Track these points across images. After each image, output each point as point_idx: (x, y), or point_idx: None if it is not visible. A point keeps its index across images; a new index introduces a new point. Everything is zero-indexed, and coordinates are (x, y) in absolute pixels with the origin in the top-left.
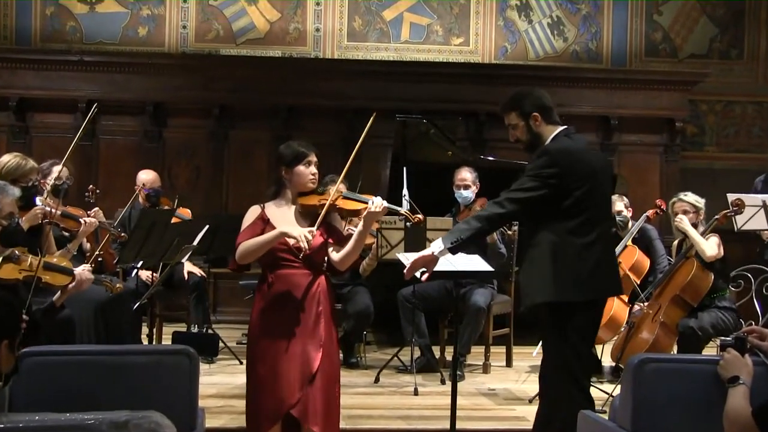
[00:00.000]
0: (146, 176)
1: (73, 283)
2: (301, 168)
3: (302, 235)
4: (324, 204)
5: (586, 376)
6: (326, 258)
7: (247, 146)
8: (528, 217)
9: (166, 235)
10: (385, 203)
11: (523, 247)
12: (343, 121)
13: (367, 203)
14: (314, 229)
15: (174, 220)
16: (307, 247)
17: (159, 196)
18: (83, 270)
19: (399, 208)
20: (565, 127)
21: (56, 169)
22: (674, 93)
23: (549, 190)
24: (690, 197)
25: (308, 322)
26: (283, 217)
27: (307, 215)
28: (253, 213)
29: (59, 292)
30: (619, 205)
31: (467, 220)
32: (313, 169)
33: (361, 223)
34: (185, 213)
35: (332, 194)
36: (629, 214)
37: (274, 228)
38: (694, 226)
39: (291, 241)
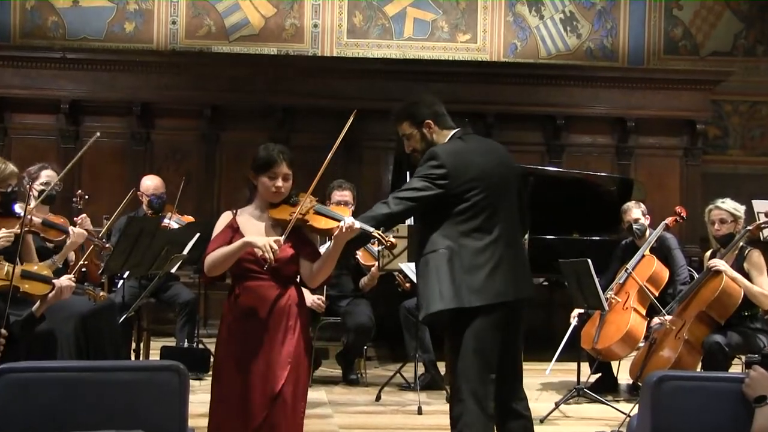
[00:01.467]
0: (150, 182)
1: (53, 292)
2: (264, 179)
3: (267, 245)
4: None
5: (487, 384)
6: (297, 271)
7: (240, 149)
8: (422, 222)
9: (155, 243)
10: (357, 223)
11: (419, 254)
12: (342, 122)
13: (338, 221)
14: (281, 238)
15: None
16: (272, 258)
17: (163, 204)
18: (63, 278)
19: (371, 229)
20: (458, 129)
21: (45, 173)
22: (695, 93)
23: (438, 191)
24: (728, 204)
25: (275, 338)
26: (254, 227)
27: (278, 228)
28: (223, 219)
29: (38, 301)
30: (636, 212)
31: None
32: (279, 182)
33: (331, 243)
34: (187, 220)
35: (302, 207)
36: (647, 222)
37: (242, 237)
38: (731, 237)
39: (257, 252)
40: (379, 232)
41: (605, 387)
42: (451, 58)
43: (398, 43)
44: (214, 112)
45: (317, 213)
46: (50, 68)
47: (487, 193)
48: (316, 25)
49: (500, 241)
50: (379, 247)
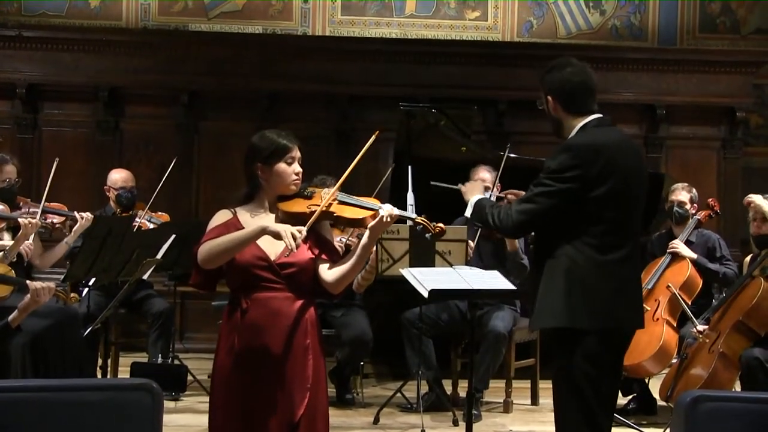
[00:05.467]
0: (119, 175)
1: (29, 297)
2: (282, 166)
3: (288, 231)
4: (315, 210)
5: (606, 418)
6: (313, 279)
7: (221, 140)
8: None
9: (124, 246)
10: (396, 210)
11: (537, 254)
12: (335, 110)
13: (371, 210)
14: (304, 229)
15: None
16: (295, 247)
17: (133, 200)
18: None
19: (414, 216)
20: (598, 117)
21: (7, 170)
22: (735, 76)
23: (569, 195)
24: None
25: (294, 359)
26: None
27: (292, 225)
28: (221, 217)
29: (16, 310)
30: (684, 195)
31: (494, 207)
32: (297, 167)
33: (365, 236)
34: (162, 218)
35: (326, 198)
36: (693, 211)
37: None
38: None
39: (268, 249)
40: (423, 219)
41: (643, 408)
42: (458, 38)
43: (399, 21)
44: (192, 99)
45: (342, 203)
46: (4, 48)
47: (622, 200)
48: (306, 0)
49: (630, 259)
50: (427, 235)
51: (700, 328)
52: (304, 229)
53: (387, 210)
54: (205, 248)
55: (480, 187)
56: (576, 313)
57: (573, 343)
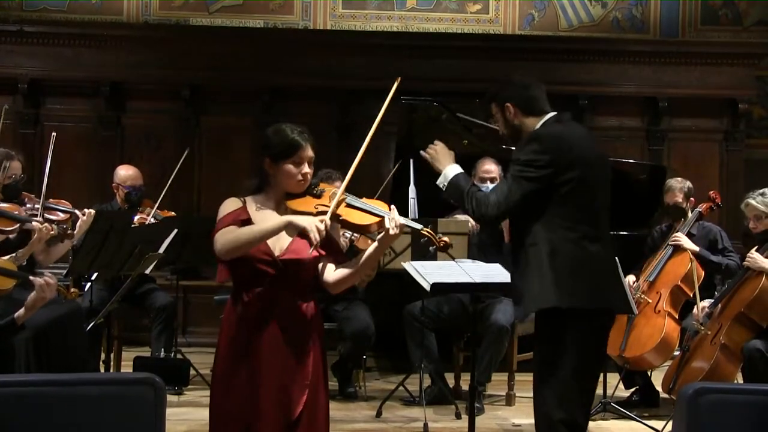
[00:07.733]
0: (126, 172)
1: (35, 293)
2: (289, 166)
3: (314, 225)
4: (321, 210)
5: (585, 409)
6: (315, 276)
7: (222, 135)
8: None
9: (126, 241)
10: (403, 219)
11: (517, 242)
12: (336, 104)
13: (378, 216)
14: (327, 218)
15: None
16: (319, 240)
17: (141, 197)
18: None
19: (419, 227)
20: (556, 113)
21: (13, 165)
22: (737, 68)
23: (542, 182)
24: (759, 200)
25: (294, 355)
26: (270, 220)
27: None
28: (231, 205)
29: (23, 308)
30: (679, 195)
31: (472, 193)
32: (305, 168)
33: (373, 247)
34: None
35: (334, 200)
36: (690, 205)
37: None
38: None
39: (272, 245)
40: (429, 231)
41: (646, 401)
42: (459, 31)
43: (400, 14)
44: (193, 93)
45: (350, 206)
46: (5, 43)
47: (592, 185)
48: None
49: (604, 241)
50: (432, 248)
51: (705, 303)
52: (327, 219)
53: (394, 221)
54: (226, 239)
55: (451, 155)
56: (563, 293)
57: (561, 326)
